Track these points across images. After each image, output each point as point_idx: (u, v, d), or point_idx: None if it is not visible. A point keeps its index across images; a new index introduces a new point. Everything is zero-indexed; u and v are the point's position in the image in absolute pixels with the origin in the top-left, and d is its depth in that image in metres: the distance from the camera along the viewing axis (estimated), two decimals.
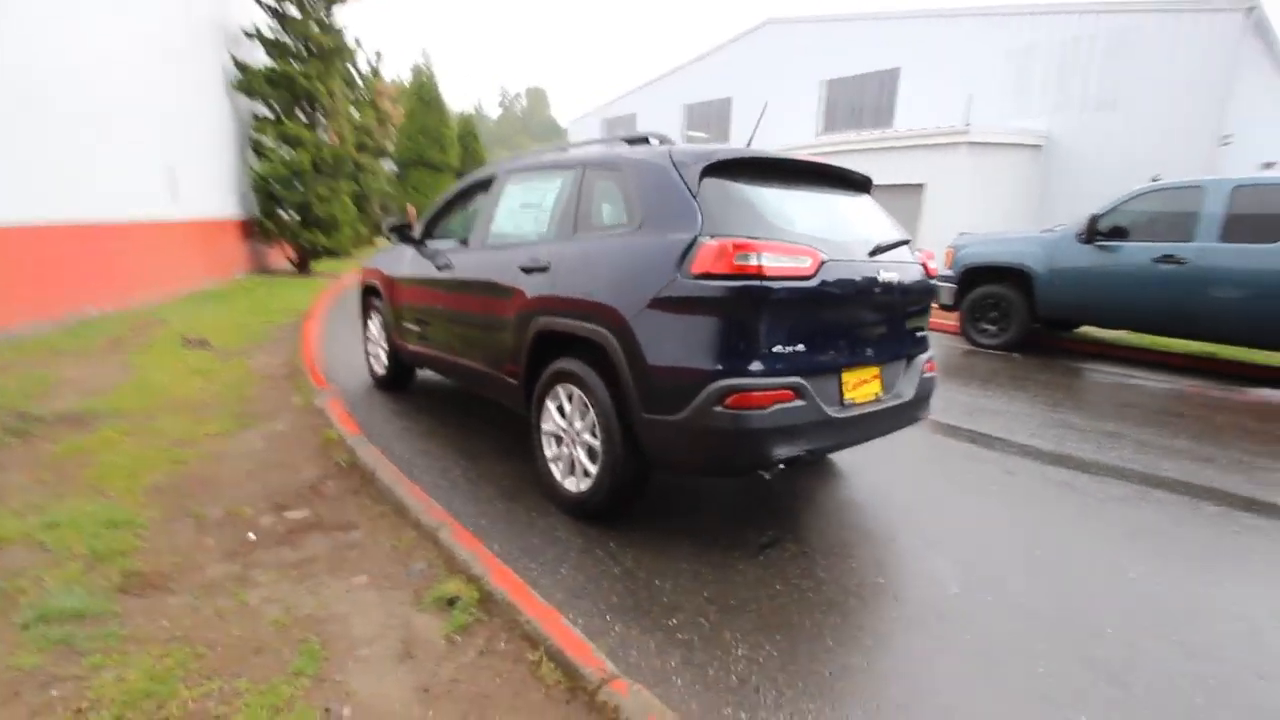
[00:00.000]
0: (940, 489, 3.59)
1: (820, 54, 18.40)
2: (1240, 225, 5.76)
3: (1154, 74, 12.82)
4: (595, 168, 3.18)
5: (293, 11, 11.20)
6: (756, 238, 2.51)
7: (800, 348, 2.61)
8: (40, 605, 2.12)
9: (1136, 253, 6.37)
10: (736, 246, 2.45)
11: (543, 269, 3.15)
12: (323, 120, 11.65)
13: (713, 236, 2.51)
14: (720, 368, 2.48)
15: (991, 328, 7.53)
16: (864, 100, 17.86)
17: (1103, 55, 13.46)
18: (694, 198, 2.65)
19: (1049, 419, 4.93)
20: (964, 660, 2.14)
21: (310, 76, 11.06)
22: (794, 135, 18.84)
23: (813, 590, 2.53)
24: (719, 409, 2.47)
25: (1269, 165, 14.38)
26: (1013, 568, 2.75)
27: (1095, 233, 6.64)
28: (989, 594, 2.54)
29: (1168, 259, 6.11)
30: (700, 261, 2.48)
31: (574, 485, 3.07)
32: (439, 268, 4.11)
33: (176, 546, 2.62)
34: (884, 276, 2.87)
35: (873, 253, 2.90)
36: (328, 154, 11.43)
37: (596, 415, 2.84)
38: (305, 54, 11.30)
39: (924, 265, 3.21)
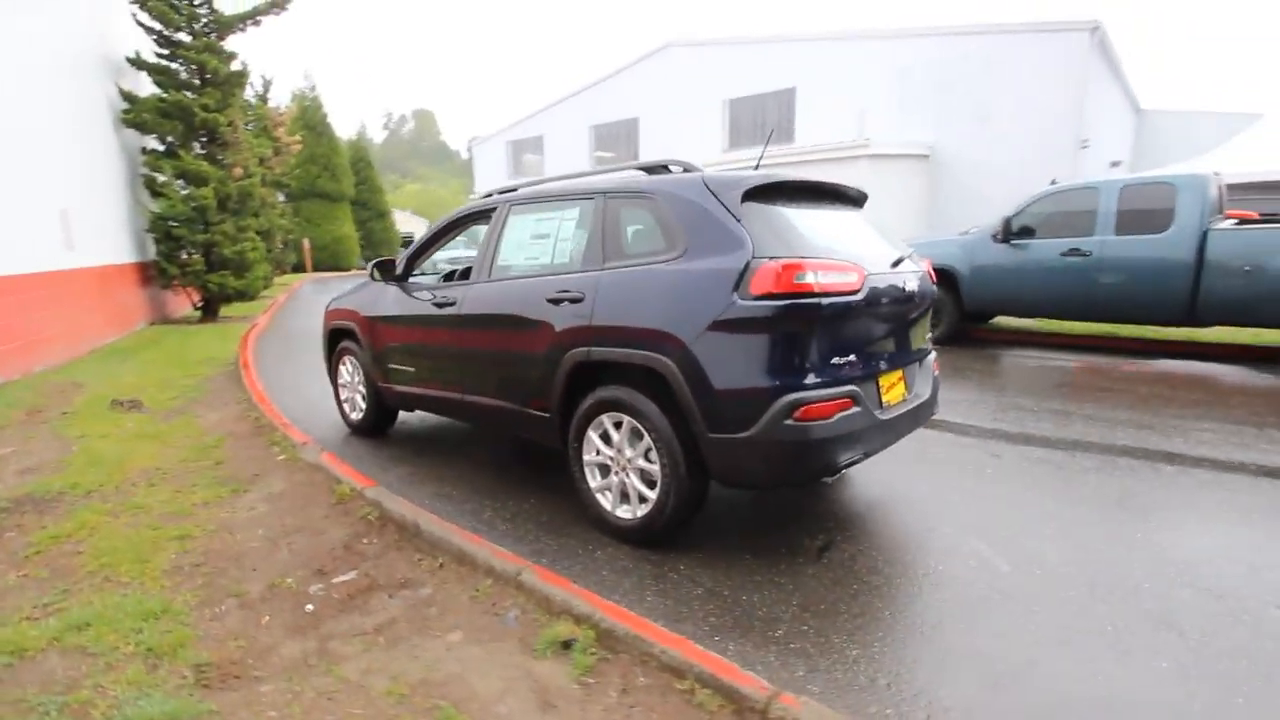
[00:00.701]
0: (942, 477, 3.87)
1: (722, 74, 19.22)
2: (1130, 220, 6.60)
3: (1020, 88, 14.36)
4: (619, 196, 3.23)
5: (182, 38, 10.43)
6: (807, 258, 2.67)
7: (851, 357, 2.78)
8: (122, 716, 1.90)
9: (1046, 249, 7.14)
10: (794, 267, 2.59)
11: (575, 300, 3.16)
12: (223, 154, 10.88)
13: (768, 258, 2.63)
14: (787, 382, 2.61)
15: None
16: (765, 118, 18.80)
17: (976, 73, 14.93)
18: (738, 222, 2.77)
19: (1001, 403, 5.42)
20: (1044, 629, 2.35)
21: (208, 107, 10.32)
22: (701, 153, 19.52)
23: (886, 585, 2.68)
24: (789, 422, 2.59)
25: (1116, 164, 16.46)
26: (1042, 543, 3.03)
27: (1009, 233, 7.37)
28: (1036, 569, 2.79)
29: (1073, 252, 6.89)
30: (759, 283, 2.60)
31: (628, 513, 3.08)
32: (438, 305, 4.00)
33: (234, 630, 2.41)
34: (907, 286, 3.11)
35: (894, 264, 3.13)
36: (233, 189, 10.68)
37: (654, 440, 2.88)
38: (198, 82, 10.54)
39: (929, 273, 3.50)
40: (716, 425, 2.70)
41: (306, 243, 28.39)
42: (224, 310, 11.64)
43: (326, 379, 5.28)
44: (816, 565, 2.86)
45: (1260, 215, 6.62)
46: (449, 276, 5.00)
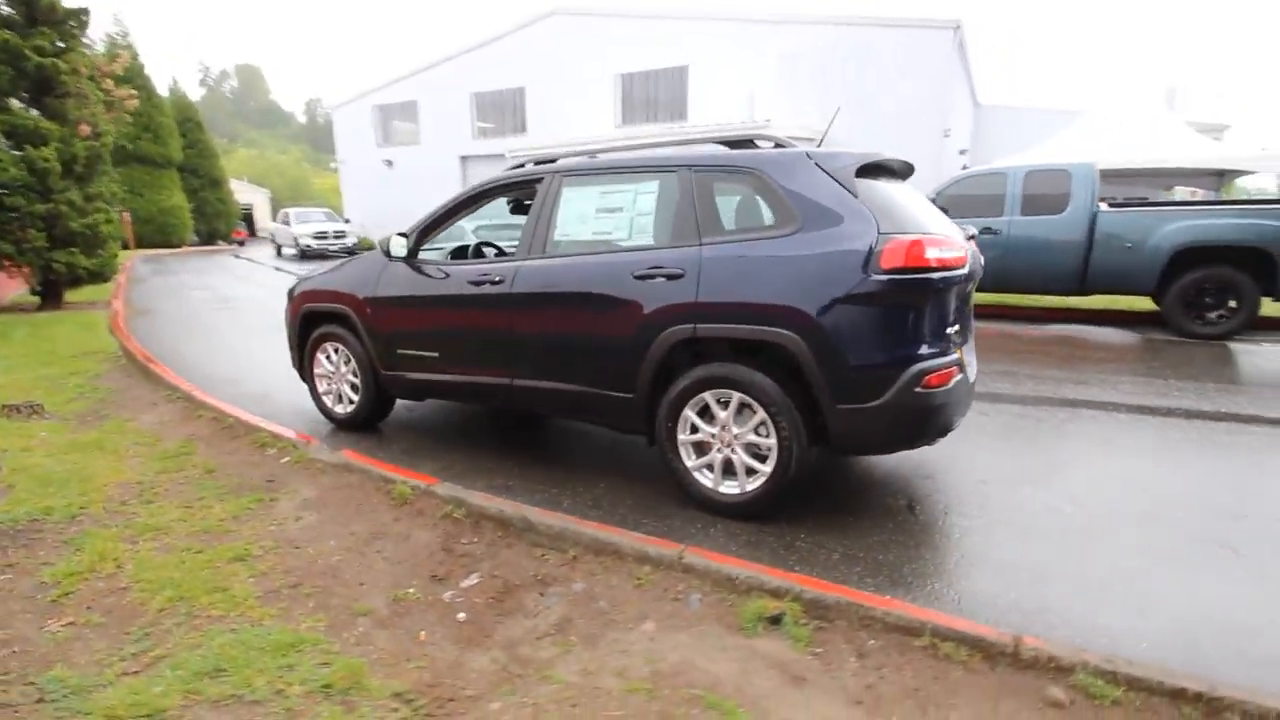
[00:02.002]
0: (952, 437, 4.26)
1: (612, 47, 19.02)
2: (1033, 203, 7.55)
3: (892, 78, 15.67)
4: (710, 170, 3.17)
5: None
6: (927, 234, 2.82)
7: (955, 328, 3.00)
8: None
9: (964, 227, 7.95)
10: (920, 243, 2.73)
11: (673, 276, 3.08)
12: (66, 108, 9.06)
13: (894, 234, 2.75)
14: (914, 353, 2.77)
15: None
16: (658, 94, 18.95)
17: (854, 61, 16.05)
18: (856, 198, 2.85)
19: None
20: (1125, 552, 2.72)
21: (43, 50, 8.51)
22: (593, 127, 19.30)
23: (985, 530, 2.95)
24: (919, 390, 2.76)
25: (964, 152, 18.57)
26: (1077, 486, 3.46)
27: None
28: (1092, 507, 3.20)
29: (987, 231, 7.76)
30: (890, 258, 2.71)
31: (733, 488, 3.10)
32: (474, 283, 3.70)
33: (396, 651, 2.14)
34: (978, 260, 3.37)
35: (969, 239, 3.38)
36: (81, 151, 8.94)
37: (771, 414, 2.92)
38: (26, 20, 8.64)
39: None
40: (845, 396, 2.80)
41: (127, 215, 24.51)
42: (72, 295, 9.81)
43: (255, 367, 4.71)
44: (915, 520, 3.08)
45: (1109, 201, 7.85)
46: (456, 255, 4.63)
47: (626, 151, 3.65)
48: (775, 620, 2.23)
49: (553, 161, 3.89)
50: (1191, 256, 6.71)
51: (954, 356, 2.92)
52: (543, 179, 3.68)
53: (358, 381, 4.37)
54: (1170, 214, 6.99)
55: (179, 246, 26.91)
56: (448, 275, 3.91)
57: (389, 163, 24.41)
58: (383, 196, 24.41)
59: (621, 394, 3.31)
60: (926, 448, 3.30)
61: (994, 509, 3.18)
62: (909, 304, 2.75)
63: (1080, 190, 7.30)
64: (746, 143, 3.33)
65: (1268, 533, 2.89)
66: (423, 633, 2.25)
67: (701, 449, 3.19)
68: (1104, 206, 7.38)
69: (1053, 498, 3.28)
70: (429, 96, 22.91)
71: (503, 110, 21.72)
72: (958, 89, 17.16)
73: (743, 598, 2.36)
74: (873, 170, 3.05)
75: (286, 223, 22.00)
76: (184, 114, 29.97)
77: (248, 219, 38.30)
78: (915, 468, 3.71)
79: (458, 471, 3.69)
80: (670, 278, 3.10)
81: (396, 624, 2.30)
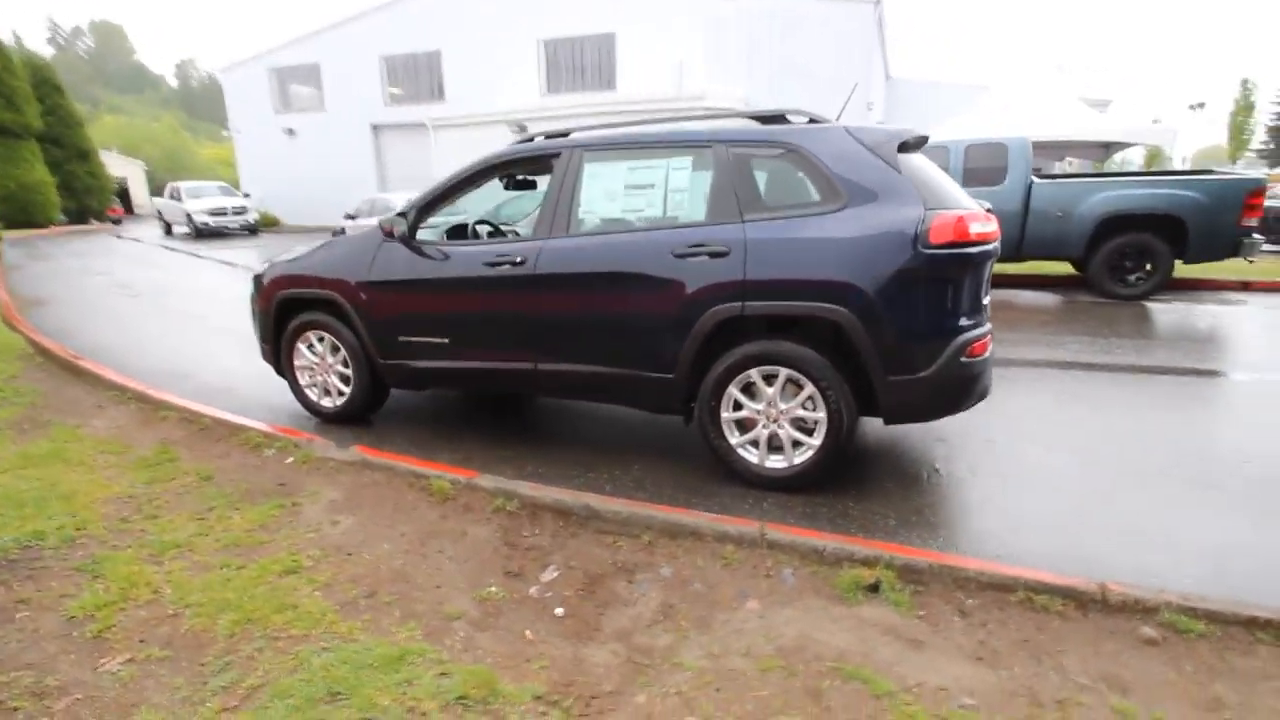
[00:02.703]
0: None
1: (535, 11, 18.33)
2: (974, 175, 7.99)
3: (819, 49, 16.02)
4: (746, 145, 3.15)
5: None
6: (967, 209, 2.93)
7: (988, 299, 3.16)
8: None
9: (980, 201, 8.34)
10: (966, 217, 2.85)
11: (718, 254, 3.06)
12: None
13: (939, 209, 2.84)
14: (960, 324, 2.90)
15: None
16: (585, 62, 18.50)
17: (781, 31, 16.28)
18: (900, 174, 2.92)
19: None
20: (1133, 499, 3.01)
21: None
22: (517, 95, 18.64)
23: (1014, 488, 3.17)
24: (964, 359, 2.90)
25: (881, 124, 19.30)
26: (1070, 440, 3.75)
27: None
28: (1091, 460, 3.48)
29: None
30: (938, 233, 2.80)
31: (780, 462, 3.16)
32: (490, 265, 3.53)
33: (508, 653, 2.07)
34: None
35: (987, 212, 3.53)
36: None
37: (821, 389, 2.98)
38: None
39: None
40: (896, 368, 2.90)
41: None
42: None
43: (199, 360, 4.34)
44: (947, 482, 3.26)
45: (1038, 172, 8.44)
46: (453, 234, 4.38)
47: (635, 126, 3.53)
48: (874, 588, 2.31)
49: (565, 135, 3.73)
50: (1115, 224, 7.34)
51: (989, 326, 3.09)
52: (560, 154, 3.53)
53: (349, 372, 4.10)
54: (1096, 185, 7.61)
55: (46, 227, 23.90)
56: (456, 257, 3.70)
57: (290, 131, 22.63)
58: (286, 168, 22.66)
59: (660, 374, 3.28)
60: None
61: (1010, 468, 3.41)
62: (953, 278, 2.87)
63: (1017, 163, 7.80)
64: (778, 118, 3.32)
65: (1243, 473, 3.26)
66: (527, 631, 2.18)
67: (744, 426, 3.22)
68: (1035, 178, 7.93)
69: (1055, 453, 3.56)
70: (334, 59, 21.33)
71: (417, 75, 20.55)
72: (875, 62, 17.77)
73: (833, 569, 2.43)
74: (910, 145, 3.13)
75: (176, 198, 20.02)
76: (39, 75, 26.32)
77: (123, 195, 34.56)
78: (924, 432, 3.90)
79: (479, 462, 3.55)
80: (714, 255, 3.07)
81: (494, 625, 2.21)
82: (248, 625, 2.16)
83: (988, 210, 3.71)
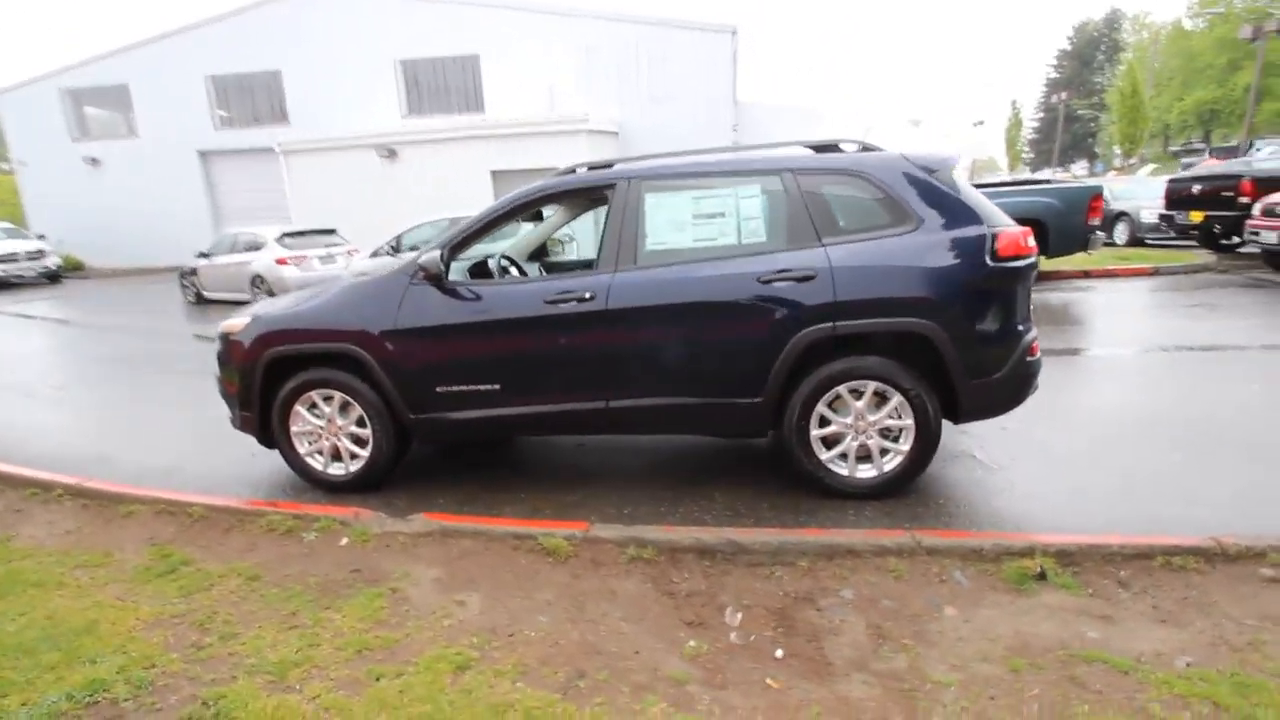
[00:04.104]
0: None
1: (390, 30, 17.41)
2: None
3: (686, 76, 16.83)
4: (814, 174, 3.29)
5: None
6: (1015, 225, 3.29)
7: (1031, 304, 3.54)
8: None
9: None
10: (1023, 234, 3.21)
11: (805, 278, 3.16)
12: None
13: (1001, 226, 3.17)
14: (1023, 327, 3.25)
15: None
16: (449, 84, 17.88)
17: (650, 59, 16.88)
18: (959, 195, 3.22)
19: None
20: (1144, 462, 3.56)
21: None
22: (376, 117, 17.58)
23: (1058, 466, 3.59)
24: (1028, 359, 3.25)
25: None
26: (1068, 418, 4.32)
27: None
28: (1088, 432, 4.04)
29: None
30: (1005, 247, 3.13)
31: (870, 472, 3.32)
32: (551, 302, 3.35)
33: (770, 704, 1.98)
34: None
35: None
36: None
37: (909, 397, 3.18)
38: None
39: None
40: (976, 373, 3.17)
41: None
42: None
43: (106, 435, 3.80)
44: (996, 468, 3.61)
45: None
46: (476, 272, 4.06)
47: (688, 156, 3.56)
48: (1041, 576, 2.51)
49: (608, 166, 3.65)
50: None
51: (1035, 328, 3.46)
52: (615, 185, 3.45)
53: (365, 432, 3.66)
54: None
55: None
56: (506, 296, 3.49)
57: (94, 161, 19.47)
58: (88, 204, 19.49)
59: (747, 399, 3.30)
60: None
61: (1036, 449, 3.84)
62: (1016, 287, 3.21)
63: None
64: (831, 147, 3.50)
65: (1210, 431, 3.95)
66: (767, 679, 2.10)
67: (831, 441, 3.33)
68: None
69: (1062, 430, 4.07)
70: (146, 79, 18.72)
71: (253, 96, 18.64)
72: (732, 88, 19.01)
73: (995, 564, 2.61)
74: (956, 168, 3.44)
75: None
76: None
77: None
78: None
79: (551, 509, 3.38)
80: (801, 280, 3.17)
81: (728, 680, 2.11)
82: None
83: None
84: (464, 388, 3.50)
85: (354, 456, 3.73)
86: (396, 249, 10.20)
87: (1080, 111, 50.98)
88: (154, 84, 18.58)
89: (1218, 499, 3.12)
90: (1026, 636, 2.23)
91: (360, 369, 3.55)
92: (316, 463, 3.78)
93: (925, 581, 2.57)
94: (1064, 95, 44.95)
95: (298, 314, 3.70)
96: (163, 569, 2.90)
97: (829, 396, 3.25)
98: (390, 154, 15.31)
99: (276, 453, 3.79)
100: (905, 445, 3.26)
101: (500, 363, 3.48)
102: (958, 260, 3.13)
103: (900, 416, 3.23)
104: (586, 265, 4.98)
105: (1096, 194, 8.26)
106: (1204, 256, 10.23)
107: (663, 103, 17.02)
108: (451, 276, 3.63)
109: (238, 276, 11.12)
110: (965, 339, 3.12)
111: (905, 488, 3.33)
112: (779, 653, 2.23)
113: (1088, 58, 59.13)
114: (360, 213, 14.81)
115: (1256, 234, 8.67)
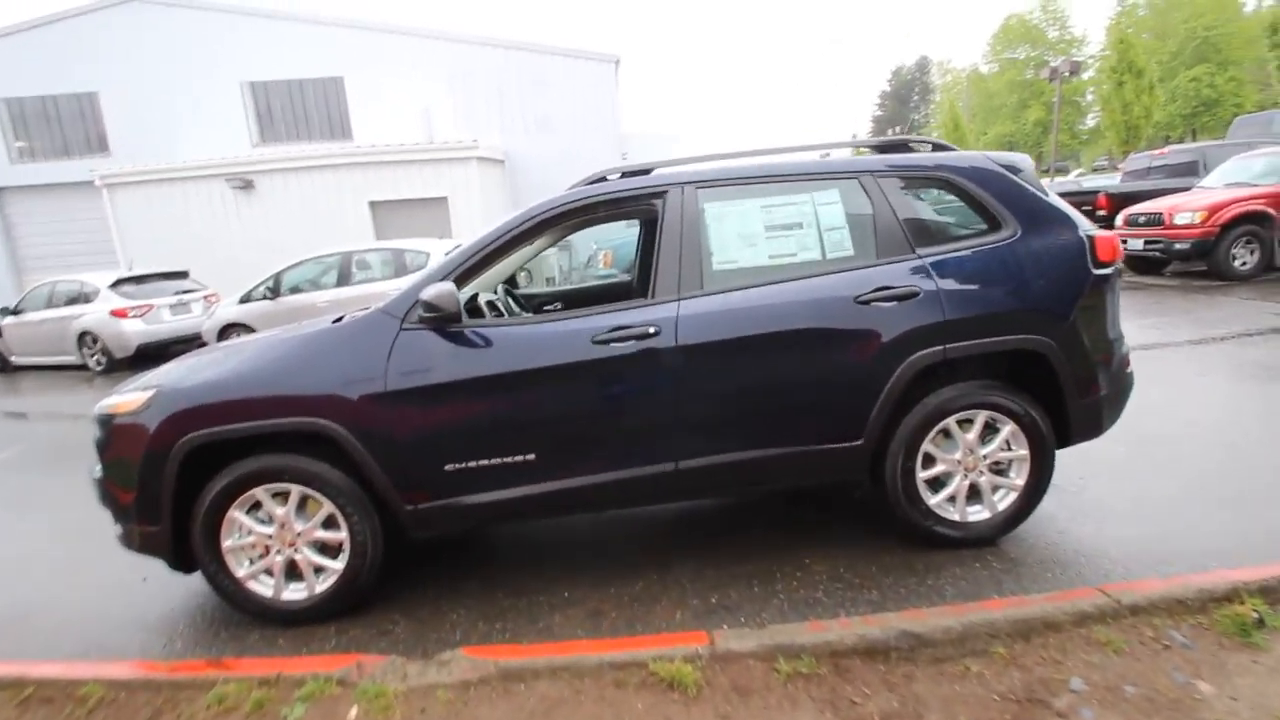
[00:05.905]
0: None
1: (236, 50, 15.42)
2: None
3: (570, 103, 16.43)
4: (895, 176, 2.85)
5: None
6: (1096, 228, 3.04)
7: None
8: None
9: None
10: (1116, 236, 2.96)
11: (908, 295, 2.69)
12: None
13: (1093, 230, 2.90)
14: (1120, 339, 2.98)
15: None
16: (309, 108, 16.15)
17: (530, 86, 16.30)
18: (1050, 199, 2.92)
19: None
20: (1204, 472, 3.46)
21: None
22: (220, 145, 15.44)
23: (1138, 482, 3.38)
24: (1128, 370, 3.00)
25: None
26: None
27: None
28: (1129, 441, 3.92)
29: None
30: (1104, 252, 2.86)
31: (983, 514, 2.89)
32: (602, 341, 2.62)
33: None
34: None
35: None
36: None
37: (1023, 426, 2.80)
38: None
39: None
40: (1084, 389, 2.85)
41: None
42: None
43: None
44: (1077, 492, 3.34)
45: None
46: (495, 310, 3.18)
47: (742, 157, 3.00)
48: (1260, 623, 2.16)
49: (646, 172, 2.99)
50: None
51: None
52: (666, 193, 2.80)
53: (338, 536, 2.68)
54: None
55: None
56: (538, 338, 2.70)
57: None
58: None
59: (846, 444, 2.76)
60: None
61: (1098, 463, 3.62)
62: (1114, 294, 2.94)
63: None
64: (900, 145, 3.09)
65: (1204, 437, 3.97)
66: None
67: (936, 483, 2.87)
68: None
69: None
70: None
71: (62, 122, 15.70)
72: (614, 113, 18.92)
73: (1204, 615, 2.22)
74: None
75: None
76: None
77: None
78: None
79: (616, 615, 2.62)
80: (904, 298, 2.69)
81: None
82: None
83: None
84: (485, 462, 2.65)
85: (320, 571, 2.72)
86: (275, 291, 8.70)
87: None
88: None
89: None
90: None
91: (333, 449, 2.59)
92: (263, 587, 2.71)
93: (1148, 651, 2.12)
94: (898, 129, 50.12)
95: (226, 380, 2.65)
96: None
97: (935, 431, 2.79)
98: (245, 184, 13.37)
99: (186, 575, 2.69)
100: (1019, 479, 2.86)
101: (535, 425, 2.67)
102: (1065, 269, 2.80)
103: (1012, 447, 2.83)
104: (565, 298, 4.27)
105: None
106: None
107: (547, 130, 16.48)
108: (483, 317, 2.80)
109: (59, 335, 8.97)
110: (1078, 354, 2.79)
111: (1017, 527, 2.92)
112: None
113: (905, 97, 66.80)
114: (211, 252, 12.78)
115: (1124, 242, 9.63)
